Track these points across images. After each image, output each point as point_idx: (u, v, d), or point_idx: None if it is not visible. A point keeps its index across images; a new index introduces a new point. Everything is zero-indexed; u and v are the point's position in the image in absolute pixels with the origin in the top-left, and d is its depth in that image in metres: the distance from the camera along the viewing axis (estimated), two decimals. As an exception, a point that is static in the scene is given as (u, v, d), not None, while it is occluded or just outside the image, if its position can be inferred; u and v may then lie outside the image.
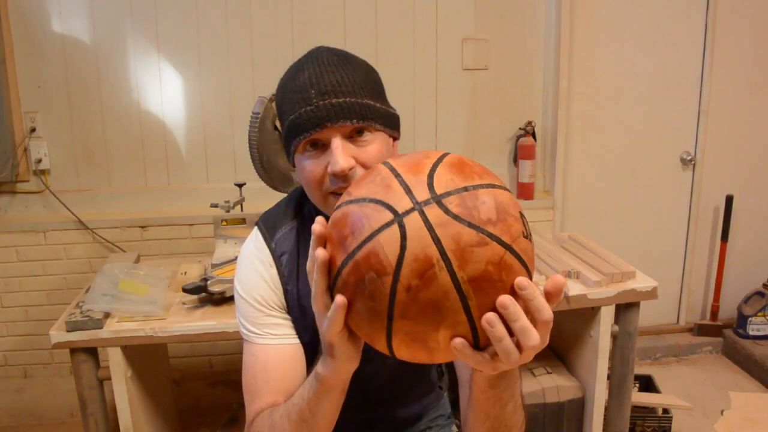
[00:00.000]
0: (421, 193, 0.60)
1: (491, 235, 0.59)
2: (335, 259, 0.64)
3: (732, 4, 2.71)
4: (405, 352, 0.63)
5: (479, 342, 0.61)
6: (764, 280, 2.89)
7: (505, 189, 0.65)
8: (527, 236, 0.63)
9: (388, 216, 0.60)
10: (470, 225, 0.58)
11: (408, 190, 0.61)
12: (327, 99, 0.85)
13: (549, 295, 0.62)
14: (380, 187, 0.63)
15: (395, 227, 0.59)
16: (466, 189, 0.61)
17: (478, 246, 0.58)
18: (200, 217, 2.42)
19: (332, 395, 0.79)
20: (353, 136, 0.87)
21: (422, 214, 0.59)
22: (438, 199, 0.59)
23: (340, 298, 0.63)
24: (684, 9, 2.71)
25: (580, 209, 2.83)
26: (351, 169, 0.86)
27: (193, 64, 2.42)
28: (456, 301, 0.58)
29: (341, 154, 0.85)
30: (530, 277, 0.63)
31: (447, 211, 0.59)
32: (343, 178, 0.86)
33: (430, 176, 0.62)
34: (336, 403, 0.80)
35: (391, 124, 0.93)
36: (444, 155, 0.66)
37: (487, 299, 0.59)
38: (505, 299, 0.58)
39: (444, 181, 0.61)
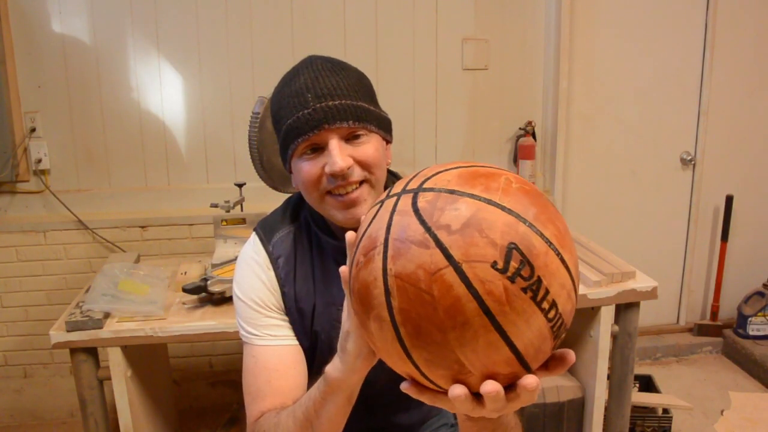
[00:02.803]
0: (414, 184, 0.59)
1: (437, 241, 0.53)
2: None
3: (732, 4, 2.71)
4: (366, 338, 0.64)
5: (405, 345, 0.57)
6: (764, 280, 2.89)
7: (514, 215, 0.54)
8: (507, 274, 0.52)
9: (382, 197, 0.62)
10: (422, 222, 0.54)
11: (410, 179, 0.61)
12: (323, 102, 0.87)
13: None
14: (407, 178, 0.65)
15: (376, 207, 0.61)
16: (451, 192, 0.56)
17: (417, 245, 0.53)
18: (200, 217, 2.42)
19: (339, 398, 0.78)
20: (350, 137, 0.89)
21: (397, 200, 0.58)
22: (417, 191, 0.57)
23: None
24: (684, 9, 2.71)
25: (580, 209, 2.83)
26: (349, 168, 0.88)
27: (193, 64, 2.42)
28: (381, 293, 0.55)
29: (339, 154, 0.87)
30: (494, 321, 0.53)
31: (414, 202, 0.56)
32: (342, 177, 0.88)
33: (437, 173, 0.59)
34: (342, 408, 0.80)
35: (384, 127, 0.95)
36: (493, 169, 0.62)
37: (410, 307, 0.53)
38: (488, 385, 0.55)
39: (442, 180, 0.58)
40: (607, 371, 1.91)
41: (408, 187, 0.59)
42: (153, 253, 2.43)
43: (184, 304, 1.74)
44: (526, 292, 0.53)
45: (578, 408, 1.97)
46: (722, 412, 2.48)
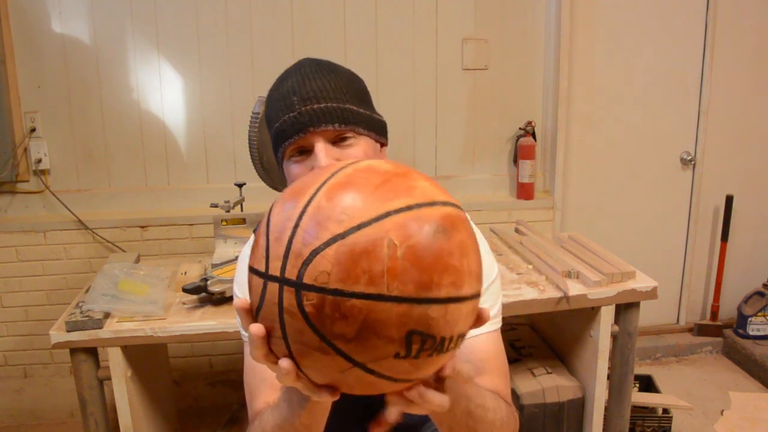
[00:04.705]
0: (292, 266, 0.54)
1: (336, 348, 0.53)
2: None
3: (732, 4, 2.71)
4: None
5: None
6: (764, 280, 2.89)
7: (406, 302, 0.52)
8: (411, 355, 0.54)
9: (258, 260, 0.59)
10: (315, 330, 0.53)
11: (288, 242, 0.55)
12: (309, 105, 0.87)
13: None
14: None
15: (258, 281, 0.58)
16: (335, 293, 0.52)
17: (318, 350, 0.54)
18: (200, 217, 2.42)
19: (324, 409, 0.77)
20: (337, 140, 0.89)
21: (280, 291, 0.54)
22: (299, 287, 0.53)
23: None
24: (684, 9, 2.71)
25: (580, 209, 2.83)
26: None
27: (193, 64, 2.42)
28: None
29: (324, 157, 0.87)
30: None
31: (300, 304, 0.53)
32: None
33: (316, 251, 0.53)
34: (327, 410, 0.79)
35: (376, 129, 0.94)
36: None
37: (321, 376, 0.57)
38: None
39: (321, 267, 0.52)
40: (607, 371, 1.91)
41: (287, 274, 0.53)
42: (153, 253, 2.43)
43: (184, 304, 1.74)
44: (431, 356, 0.55)
45: (578, 408, 1.97)
46: (722, 412, 2.48)
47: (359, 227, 0.52)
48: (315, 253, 0.52)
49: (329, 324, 0.52)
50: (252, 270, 0.58)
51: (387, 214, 0.53)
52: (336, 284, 0.51)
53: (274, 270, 0.54)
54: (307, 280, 0.52)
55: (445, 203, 0.56)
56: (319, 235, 0.53)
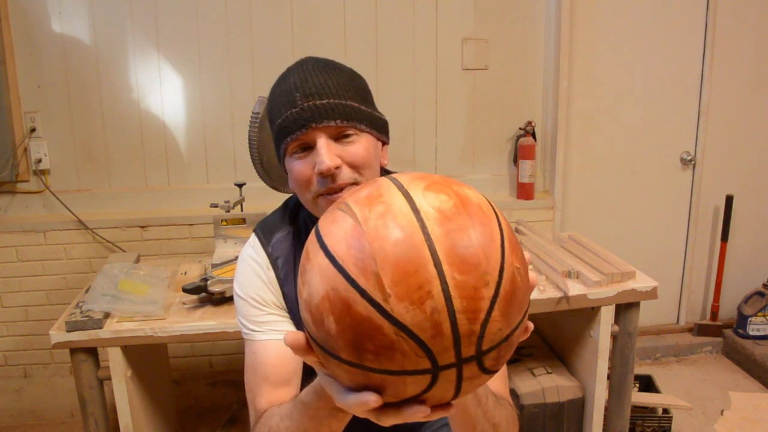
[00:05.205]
0: (469, 344, 0.53)
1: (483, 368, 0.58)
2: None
3: (732, 5, 2.71)
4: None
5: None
6: (764, 280, 2.89)
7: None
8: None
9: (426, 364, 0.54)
10: (486, 371, 0.58)
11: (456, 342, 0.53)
12: (311, 101, 0.87)
13: None
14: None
15: (424, 378, 0.55)
16: (506, 339, 0.56)
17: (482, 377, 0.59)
18: (200, 217, 2.42)
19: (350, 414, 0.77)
20: (339, 137, 0.89)
21: (459, 371, 0.55)
22: (479, 356, 0.55)
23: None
24: (684, 9, 2.71)
25: (580, 209, 2.83)
26: (337, 168, 0.87)
27: (193, 64, 2.42)
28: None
29: (326, 153, 0.87)
30: None
31: (481, 365, 0.56)
32: (330, 178, 0.88)
33: (484, 319, 0.53)
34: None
35: (377, 127, 0.95)
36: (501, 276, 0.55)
37: None
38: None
39: (495, 325, 0.55)
40: (607, 371, 1.91)
41: (464, 354, 0.53)
42: (153, 253, 2.43)
43: (184, 304, 1.74)
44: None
45: (578, 408, 1.97)
46: (722, 412, 2.48)
47: (500, 278, 0.54)
48: (485, 323, 0.54)
49: (502, 361, 0.58)
50: (400, 372, 0.54)
51: (503, 251, 0.56)
52: (506, 331, 0.56)
53: (447, 359, 0.53)
54: (485, 346, 0.54)
55: (491, 204, 0.60)
56: (480, 307, 0.53)
